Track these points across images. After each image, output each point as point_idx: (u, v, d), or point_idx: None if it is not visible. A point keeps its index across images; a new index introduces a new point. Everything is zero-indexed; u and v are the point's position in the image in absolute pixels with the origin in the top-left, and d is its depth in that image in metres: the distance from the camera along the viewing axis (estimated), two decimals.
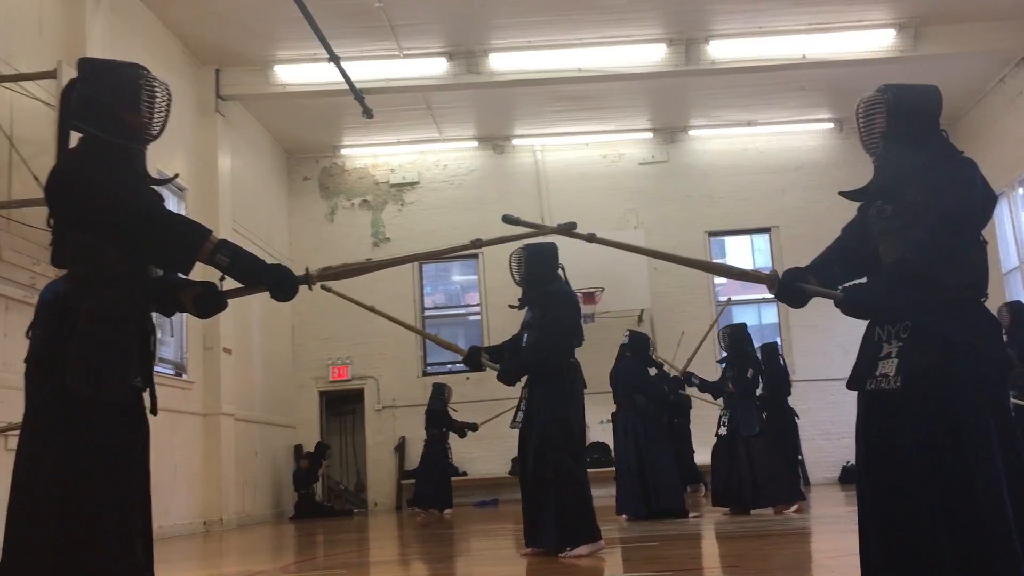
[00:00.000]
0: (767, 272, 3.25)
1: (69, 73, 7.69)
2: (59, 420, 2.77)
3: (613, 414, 9.39)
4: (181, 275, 3.09)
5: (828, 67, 12.69)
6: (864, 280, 3.15)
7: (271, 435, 13.80)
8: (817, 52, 12.19)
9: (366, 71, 12.03)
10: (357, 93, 12.00)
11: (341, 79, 11.55)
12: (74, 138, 3.05)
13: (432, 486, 12.40)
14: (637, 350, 9.31)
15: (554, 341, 5.67)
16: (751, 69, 12.55)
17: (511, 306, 6.16)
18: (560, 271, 5.97)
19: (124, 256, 2.92)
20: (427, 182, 15.69)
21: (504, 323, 14.80)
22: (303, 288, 3.08)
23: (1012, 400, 9.67)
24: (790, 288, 3.14)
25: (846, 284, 3.17)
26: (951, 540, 2.73)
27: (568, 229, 3.95)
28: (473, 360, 5.85)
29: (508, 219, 4.17)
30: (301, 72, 12.23)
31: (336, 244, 15.05)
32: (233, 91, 12.38)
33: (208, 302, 3.04)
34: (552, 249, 5.99)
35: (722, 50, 12.18)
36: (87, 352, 2.80)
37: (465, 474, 14.56)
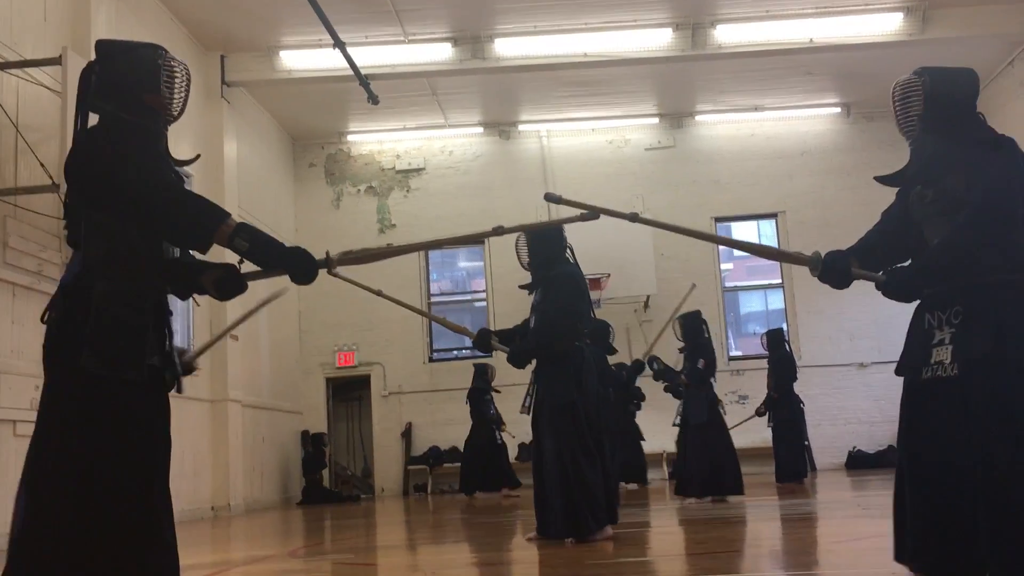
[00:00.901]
0: (809, 255, 3.21)
1: (74, 60, 7.70)
2: (76, 401, 2.76)
3: None
4: (200, 256, 3.09)
5: (835, 51, 12.61)
6: (906, 264, 3.12)
7: (278, 421, 13.85)
8: (824, 36, 12.11)
9: (371, 57, 12.00)
10: (362, 79, 11.97)
11: (346, 65, 11.52)
12: (92, 120, 3.05)
13: (477, 470, 12.46)
14: (595, 338, 9.26)
15: (555, 324, 5.62)
16: (758, 53, 12.48)
17: (521, 287, 6.12)
18: (568, 252, 5.89)
19: (141, 236, 2.91)
20: (433, 168, 15.67)
21: (511, 309, 14.79)
22: None
23: None
24: (834, 269, 3.11)
25: (888, 268, 3.14)
26: (995, 528, 2.71)
27: (602, 212, 3.86)
28: (483, 342, 5.83)
29: (550, 197, 4.04)
30: (306, 58, 12.21)
31: (342, 230, 15.05)
32: (238, 77, 12.36)
33: (229, 284, 3.02)
34: (557, 231, 5.87)
35: (729, 34, 12.12)
36: (102, 332, 2.79)
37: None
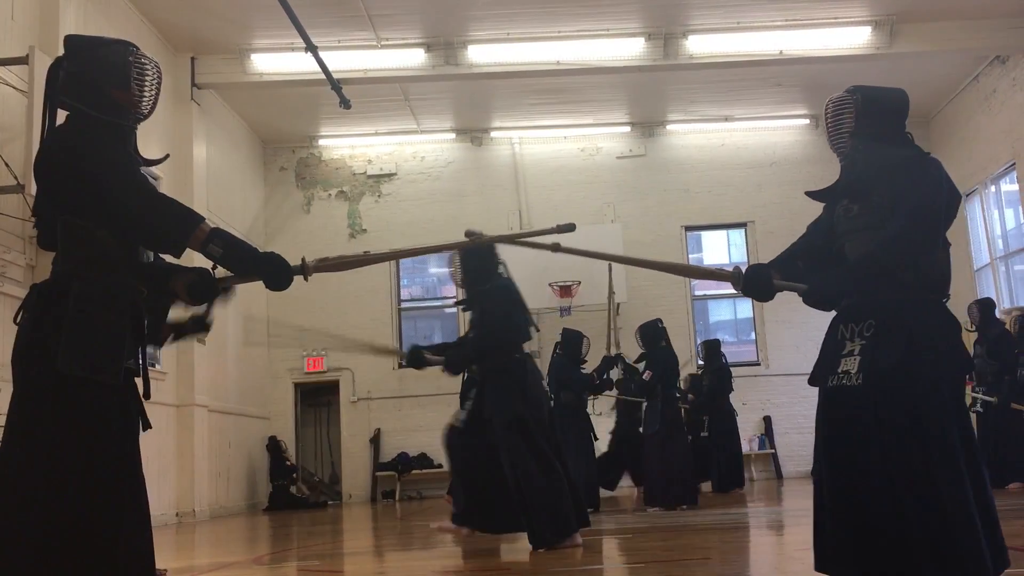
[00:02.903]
0: (730, 269, 3.28)
1: (41, 59, 7.61)
2: (51, 404, 2.70)
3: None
4: (173, 260, 3.04)
5: (804, 63, 12.76)
6: (829, 273, 3.18)
7: (245, 426, 13.73)
8: (793, 48, 12.25)
9: (344, 61, 11.96)
10: (334, 83, 11.93)
11: (318, 69, 11.47)
12: (61, 117, 2.99)
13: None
14: (567, 348, 9.30)
15: (493, 337, 5.63)
16: (728, 64, 12.60)
17: (456, 303, 6.15)
18: (501, 267, 5.85)
19: (115, 237, 2.85)
20: (404, 173, 15.64)
21: None
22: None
23: (980, 396, 9.84)
24: (756, 282, 3.16)
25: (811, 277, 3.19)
26: (916, 534, 2.77)
27: (521, 242, 3.80)
28: (415, 359, 5.78)
29: (470, 234, 3.95)
30: (278, 61, 12.15)
31: (312, 235, 14.97)
32: (209, 79, 12.27)
33: (202, 289, 2.98)
34: (488, 246, 5.81)
35: (700, 45, 12.22)
36: (79, 334, 2.73)
37: None
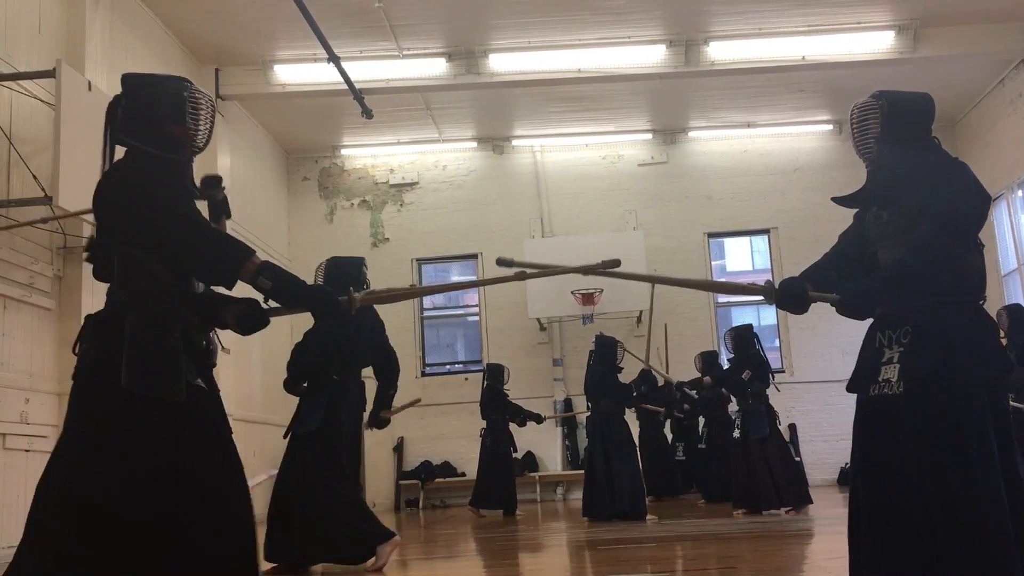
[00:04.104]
0: (762, 284, 3.25)
1: (68, 72, 7.71)
2: (120, 421, 2.80)
3: (587, 418, 9.56)
4: (224, 291, 3.15)
5: (827, 68, 12.68)
6: (861, 282, 3.16)
7: (270, 435, 13.77)
8: (816, 54, 12.18)
9: (365, 71, 12.02)
10: (356, 93, 11.99)
11: (340, 79, 11.54)
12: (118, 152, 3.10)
13: (494, 482, 11.06)
14: (603, 355, 9.36)
15: (299, 359, 6.12)
16: (751, 71, 12.54)
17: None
18: (366, 285, 6.04)
19: (169, 270, 2.96)
20: (426, 182, 15.68)
21: (503, 323, 14.82)
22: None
23: (1012, 403, 9.71)
24: (790, 295, 3.14)
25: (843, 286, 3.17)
26: (949, 541, 2.74)
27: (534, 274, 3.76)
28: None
29: (502, 262, 3.90)
30: (300, 72, 12.22)
31: (335, 244, 15.01)
32: (232, 91, 12.38)
33: (251, 319, 3.08)
34: (353, 263, 6.16)
35: (722, 51, 12.18)
36: (138, 355, 2.84)
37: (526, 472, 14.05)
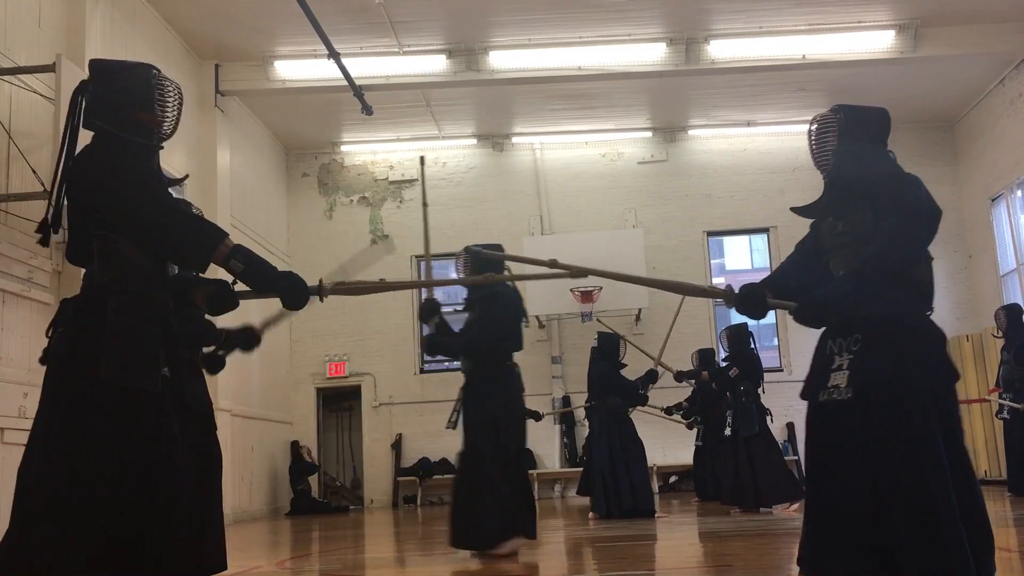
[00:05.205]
0: (723, 288, 3.33)
1: (68, 67, 7.70)
2: (97, 411, 2.81)
3: (591, 415, 9.53)
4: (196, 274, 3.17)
5: (828, 68, 12.68)
6: (818, 291, 3.23)
7: (268, 431, 13.80)
8: (817, 53, 12.18)
9: (366, 67, 12.01)
10: (357, 90, 11.98)
11: (341, 75, 11.53)
12: (85, 137, 3.10)
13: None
14: (606, 352, 9.35)
15: (487, 340, 5.71)
16: (751, 69, 12.54)
17: (456, 309, 6.21)
18: (507, 271, 5.98)
19: (144, 252, 2.97)
20: (426, 179, 15.63)
21: None
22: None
23: (1007, 403, 9.72)
24: (749, 300, 3.23)
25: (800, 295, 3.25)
26: (906, 537, 2.83)
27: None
28: (429, 311, 5.81)
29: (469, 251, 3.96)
30: (301, 68, 12.22)
31: (334, 240, 15.04)
32: (232, 87, 12.37)
33: (221, 300, 3.12)
34: (497, 250, 5.98)
35: (722, 50, 12.17)
36: (118, 344, 2.86)
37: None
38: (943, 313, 15.10)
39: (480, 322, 5.78)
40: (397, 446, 14.89)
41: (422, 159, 7.36)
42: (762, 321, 15.42)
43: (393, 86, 12.52)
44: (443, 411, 14.30)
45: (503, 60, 12.23)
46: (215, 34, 11.55)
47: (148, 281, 2.98)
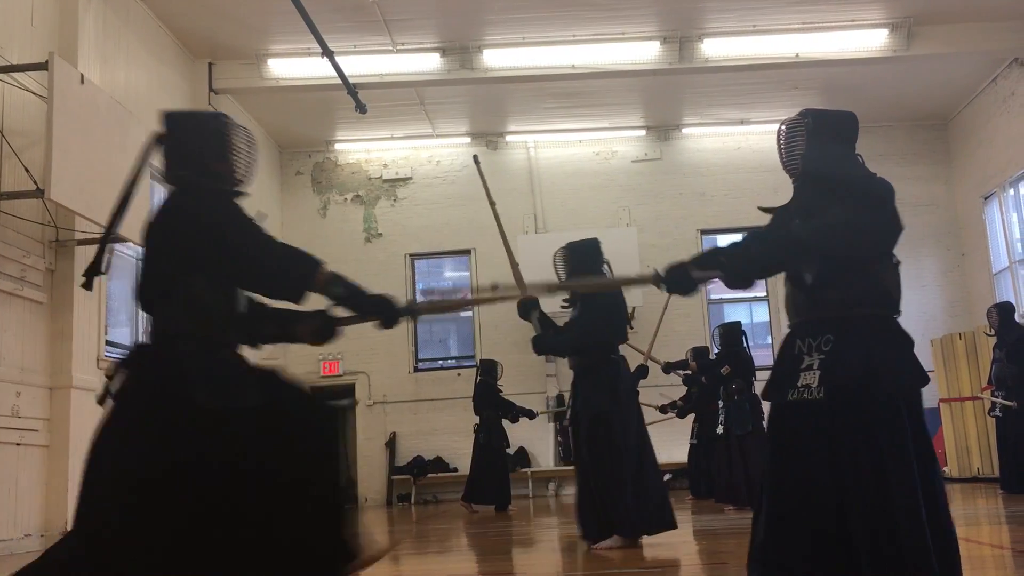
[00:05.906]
0: (651, 273, 3.29)
1: (61, 65, 7.68)
2: (199, 433, 2.79)
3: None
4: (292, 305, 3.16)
5: (821, 66, 12.70)
6: (741, 250, 3.20)
7: None
8: (810, 51, 12.20)
9: (359, 66, 12.00)
10: (350, 88, 11.97)
11: (334, 73, 11.52)
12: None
13: (487, 477, 11.03)
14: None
15: (592, 334, 5.76)
16: (744, 67, 12.55)
17: (562, 306, 6.21)
18: (605, 267, 6.02)
19: (218, 295, 2.97)
20: (420, 178, 15.67)
21: (496, 319, 14.80)
22: None
23: (1000, 400, 9.76)
24: (673, 278, 3.17)
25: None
26: (867, 536, 2.83)
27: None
28: (526, 309, 5.79)
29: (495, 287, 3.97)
30: (294, 66, 12.20)
31: (328, 239, 15.02)
32: (226, 84, 12.34)
33: (329, 332, 3.17)
34: (594, 245, 6.04)
35: (716, 48, 12.19)
36: (204, 373, 2.85)
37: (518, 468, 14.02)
38: (936, 311, 15.19)
39: (586, 316, 5.82)
40: (391, 445, 14.88)
41: (476, 158, 7.42)
42: (756, 319, 15.53)
43: (387, 84, 12.51)
44: (437, 410, 14.49)
45: (497, 58, 12.23)
46: (208, 32, 11.52)
47: (218, 323, 2.99)
